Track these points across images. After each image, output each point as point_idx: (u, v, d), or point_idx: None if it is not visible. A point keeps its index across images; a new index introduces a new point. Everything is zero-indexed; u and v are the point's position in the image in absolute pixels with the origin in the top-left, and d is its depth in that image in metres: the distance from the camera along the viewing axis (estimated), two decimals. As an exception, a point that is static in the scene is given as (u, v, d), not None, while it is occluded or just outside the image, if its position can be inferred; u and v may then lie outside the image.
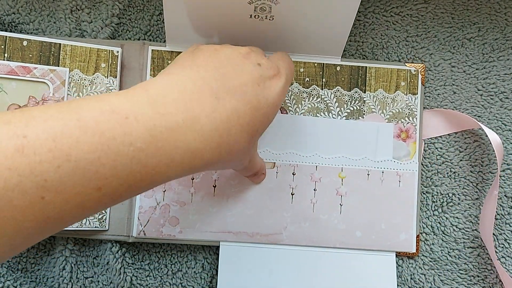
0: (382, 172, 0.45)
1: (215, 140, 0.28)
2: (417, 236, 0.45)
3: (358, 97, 0.46)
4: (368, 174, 0.45)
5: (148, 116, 0.25)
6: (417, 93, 0.46)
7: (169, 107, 0.26)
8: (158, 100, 0.26)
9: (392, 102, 0.46)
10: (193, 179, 0.44)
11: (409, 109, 0.46)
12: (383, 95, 0.46)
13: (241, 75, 0.31)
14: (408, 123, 0.46)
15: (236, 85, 0.30)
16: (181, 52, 0.45)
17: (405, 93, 0.46)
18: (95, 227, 0.43)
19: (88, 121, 0.23)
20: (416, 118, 0.46)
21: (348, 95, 0.46)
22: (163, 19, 0.43)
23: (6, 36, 0.41)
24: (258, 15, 0.41)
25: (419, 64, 0.46)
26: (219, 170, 0.44)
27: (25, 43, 0.41)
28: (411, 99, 0.46)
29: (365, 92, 0.46)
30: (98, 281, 0.45)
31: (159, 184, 0.27)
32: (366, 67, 0.46)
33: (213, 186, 0.44)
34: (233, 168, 0.37)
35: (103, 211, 0.43)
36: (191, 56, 0.32)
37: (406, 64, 0.46)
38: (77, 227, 0.42)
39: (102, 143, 0.23)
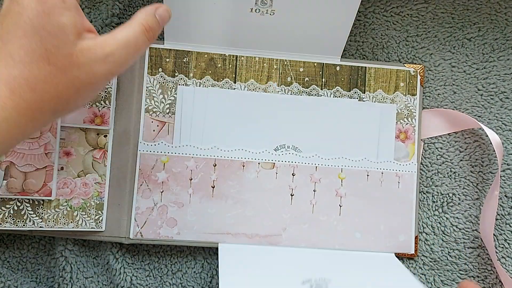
0: (382, 173, 0.45)
1: None
2: (416, 237, 0.45)
3: (357, 98, 0.45)
4: (367, 175, 0.45)
5: None
6: (416, 94, 0.46)
7: None
8: None
9: (391, 103, 0.46)
10: (191, 179, 0.44)
11: (408, 110, 0.46)
12: (382, 96, 0.46)
13: None
14: (407, 124, 0.46)
15: None
16: (179, 50, 0.44)
17: (404, 94, 0.46)
18: (91, 228, 0.43)
19: None
20: (415, 119, 0.46)
21: (348, 95, 0.45)
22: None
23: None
24: (259, 9, 0.41)
25: (418, 65, 0.46)
26: None
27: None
28: (410, 100, 0.46)
29: (364, 93, 0.45)
30: (98, 281, 0.45)
31: None
32: (365, 67, 0.46)
33: (212, 187, 0.44)
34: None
35: (99, 212, 0.43)
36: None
37: (405, 65, 0.46)
38: (72, 227, 0.42)
39: None
